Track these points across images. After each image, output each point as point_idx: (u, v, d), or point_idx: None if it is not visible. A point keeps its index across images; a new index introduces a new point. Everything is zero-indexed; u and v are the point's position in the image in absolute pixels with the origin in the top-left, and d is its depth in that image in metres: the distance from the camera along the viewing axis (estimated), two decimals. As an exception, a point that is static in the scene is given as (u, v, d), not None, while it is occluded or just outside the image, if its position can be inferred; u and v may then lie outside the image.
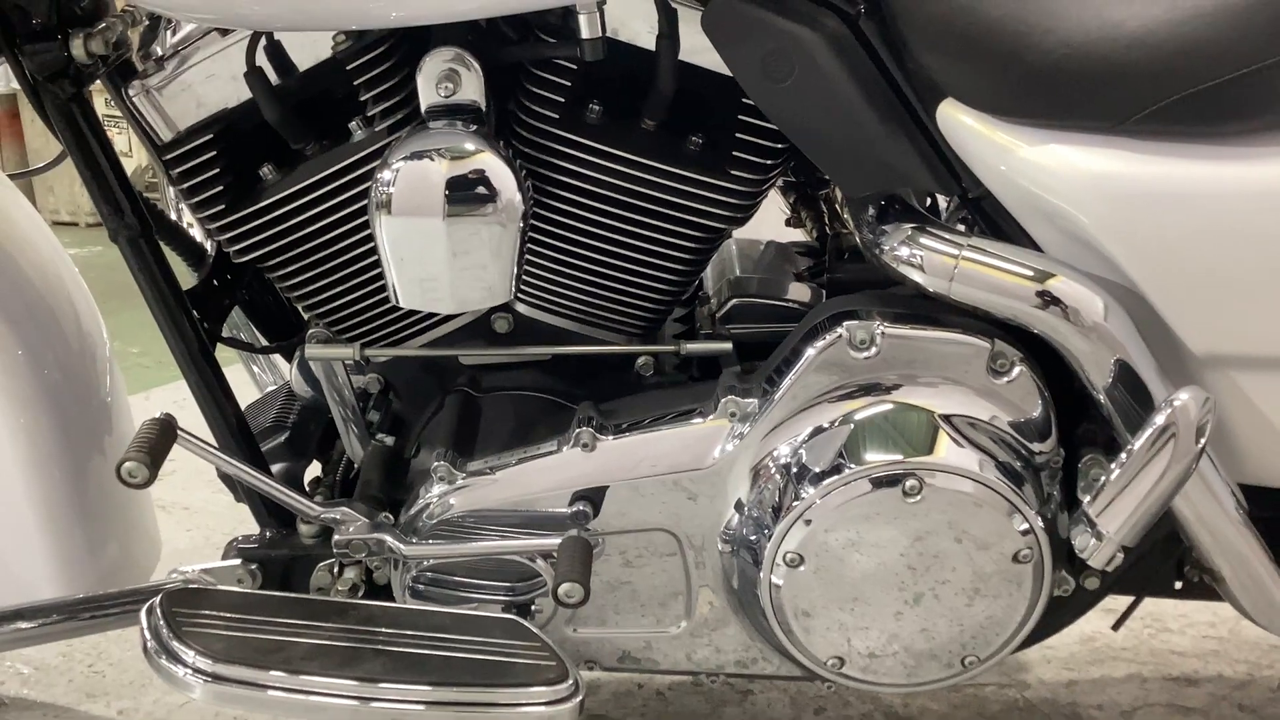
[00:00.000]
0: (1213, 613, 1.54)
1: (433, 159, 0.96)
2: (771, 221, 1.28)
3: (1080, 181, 0.95)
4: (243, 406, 1.16)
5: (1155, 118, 0.93)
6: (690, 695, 1.41)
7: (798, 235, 1.32)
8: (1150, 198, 0.94)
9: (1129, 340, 0.97)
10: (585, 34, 0.96)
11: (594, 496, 1.06)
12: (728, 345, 1.11)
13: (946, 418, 0.99)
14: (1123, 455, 0.94)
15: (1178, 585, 1.16)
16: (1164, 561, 1.15)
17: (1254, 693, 1.37)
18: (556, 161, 1.05)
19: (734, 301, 1.16)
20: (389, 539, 1.03)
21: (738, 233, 1.20)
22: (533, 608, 1.07)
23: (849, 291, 1.10)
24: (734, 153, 1.05)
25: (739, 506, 1.03)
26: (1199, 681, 1.40)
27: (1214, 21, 0.90)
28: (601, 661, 1.14)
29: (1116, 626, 1.21)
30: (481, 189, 0.96)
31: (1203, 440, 0.92)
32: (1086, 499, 0.96)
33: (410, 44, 1.01)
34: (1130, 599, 1.21)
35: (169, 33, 1.08)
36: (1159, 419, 0.92)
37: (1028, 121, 0.95)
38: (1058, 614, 1.12)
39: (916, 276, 1.00)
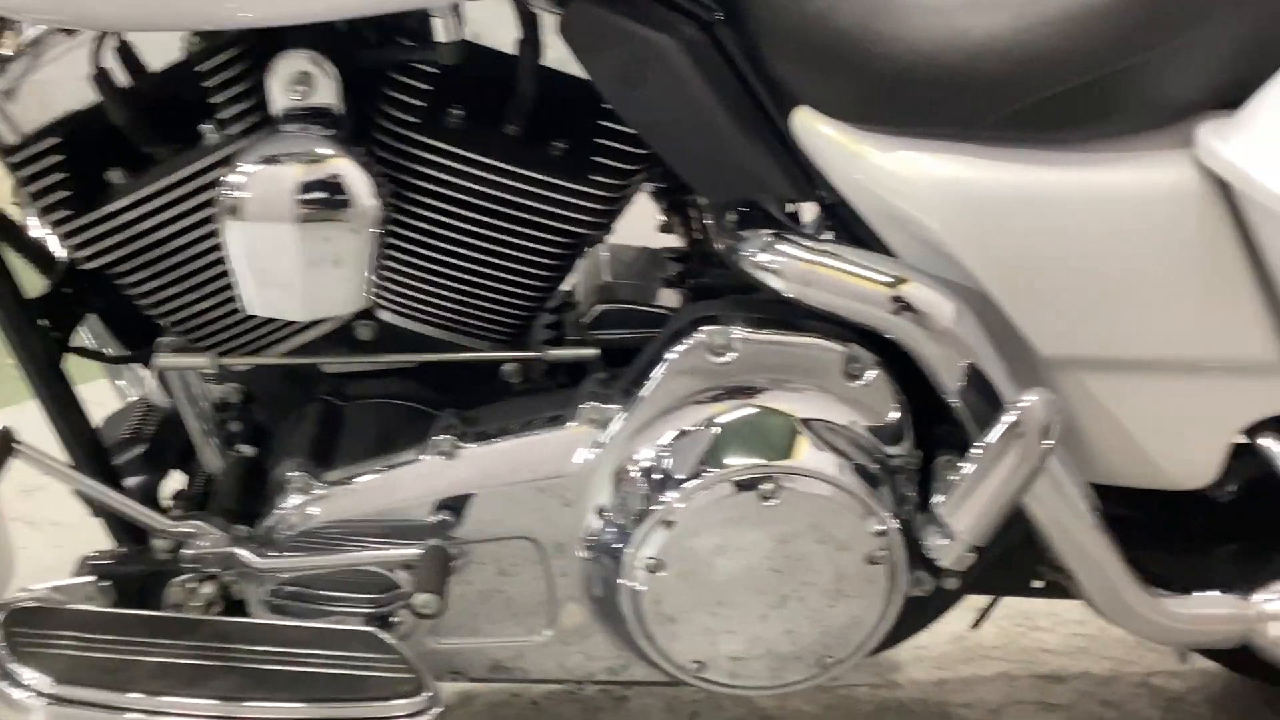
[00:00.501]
0: (1082, 610, 1.56)
1: (283, 163, 0.94)
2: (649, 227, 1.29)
3: (929, 187, 0.97)
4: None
5: (1002, 124, 0.95)
6: (566, 704, 1.40)
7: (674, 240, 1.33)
8: (996, 203, 0.96)
9: (978, 344, 0.99)
10: (441, 37, 0.95)
11: (456, 505, 1.05)
12: (593, 351, 1.11)
13: (802, 421, 1.00)
14: (971, 456, 0.96)
15: (1036, 584, 1.19)
16: (1023, 561, 1.17)
17: (1118, 689, 1.41)
18: (417, 167, 1.03)
19: (601, 307, 1.16)
20: (241, 553, 1.01)
21: (612, 239, 1.21)
22: (394, 620, 1.06)
23: (715, 297, 1.11)
24: (596, 159, 1.05)
25: (600, 513, 1.03)
26: (1066, 678, 1.43)
27: (1057, 30, 0.92)
28: (471, 672, 1.13)
29: (976, 625, 1.23)
30: (333, 194, 0.95)
31: (1049, 441, 0.94)
32: (937, 499, 0.98)
33: (264, 46, 0.99)
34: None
35: (13, 34, 1.05)
36: (1006, 420, 0.94)
37: (879, 128, 0.97)
38: (919, 614, 1.13)
39: (773, 282, 1.01)
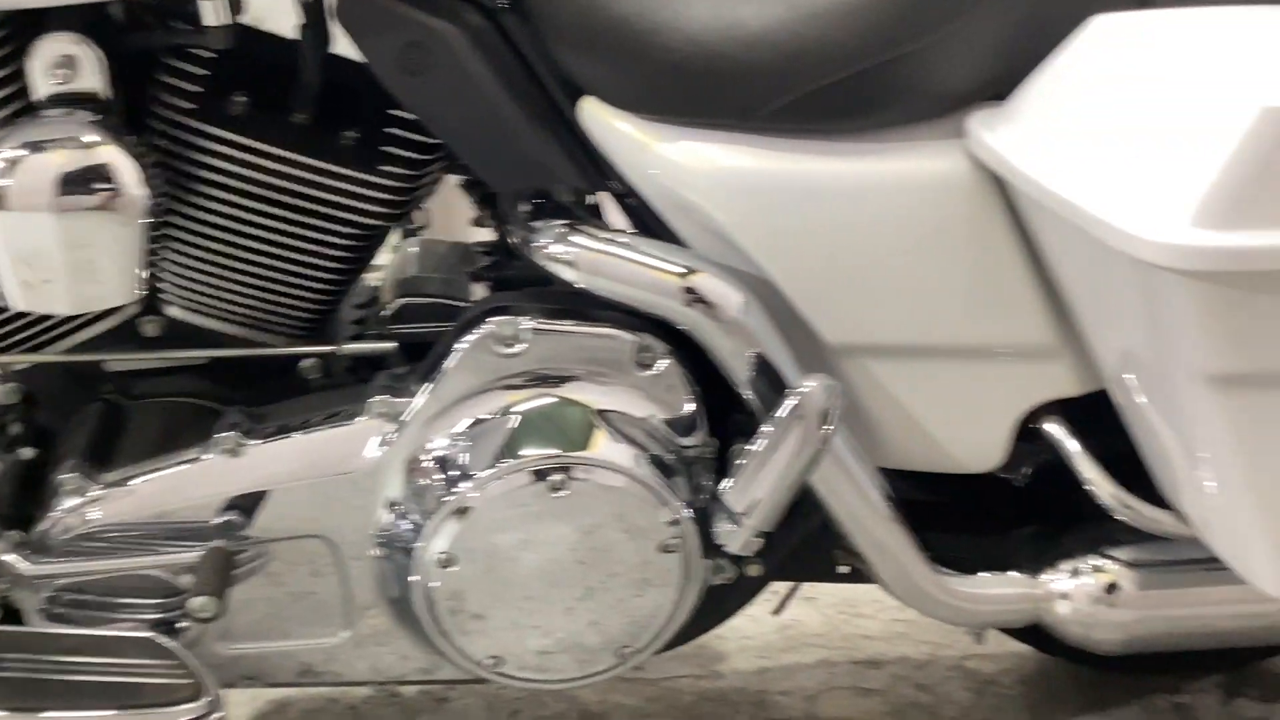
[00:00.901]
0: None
1: (44, 150, 0.91)
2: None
3: (713, 177, 0.98)
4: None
5: (780, 115, 0.96)
6: (385, 707, 1.37)
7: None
8: (777, 192, 0.97)
9: (765, 334, 1.00)
10: (210, 21, 0.93)
11: (244, 505, 1.02)
12: (390, 345, 1.09)
13: (593, 410, 1.00)
14: (754, 442, 0.97)
15: (842, 570, 1.21)
16: (828, 546, 1.19)
17: (932, 672, 1.44)
18: (197, 156, 1.01)
19: (401, 301, 1.14)
20: (9, 559, 0.97)
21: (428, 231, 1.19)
22: (180, 625, 1.02)
23: (517, 289, 1.10)
24: (387, 148, 1.04)
25: (390, 506, 1.01)
26: (883, 664, 1.46)
27: (829, 21, 0.94)
28: (280, 677, 1.11)
29: (777, 611, 1.25)
30: (98, 183, 0.91)
31: (829, 425, 0.95)
32: (723, 485, 0.98)
33: (27, 29, 0.95)
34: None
35: None
36: (786, 406, 0.95)
37: (661, 118, 0.97)
38: (724, 601, 1.14)
39: (565, 273, 1.01)
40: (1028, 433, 1.09)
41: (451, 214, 1.32)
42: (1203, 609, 1.11)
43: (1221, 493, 0.93)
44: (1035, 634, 1.42)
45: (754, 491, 0.96)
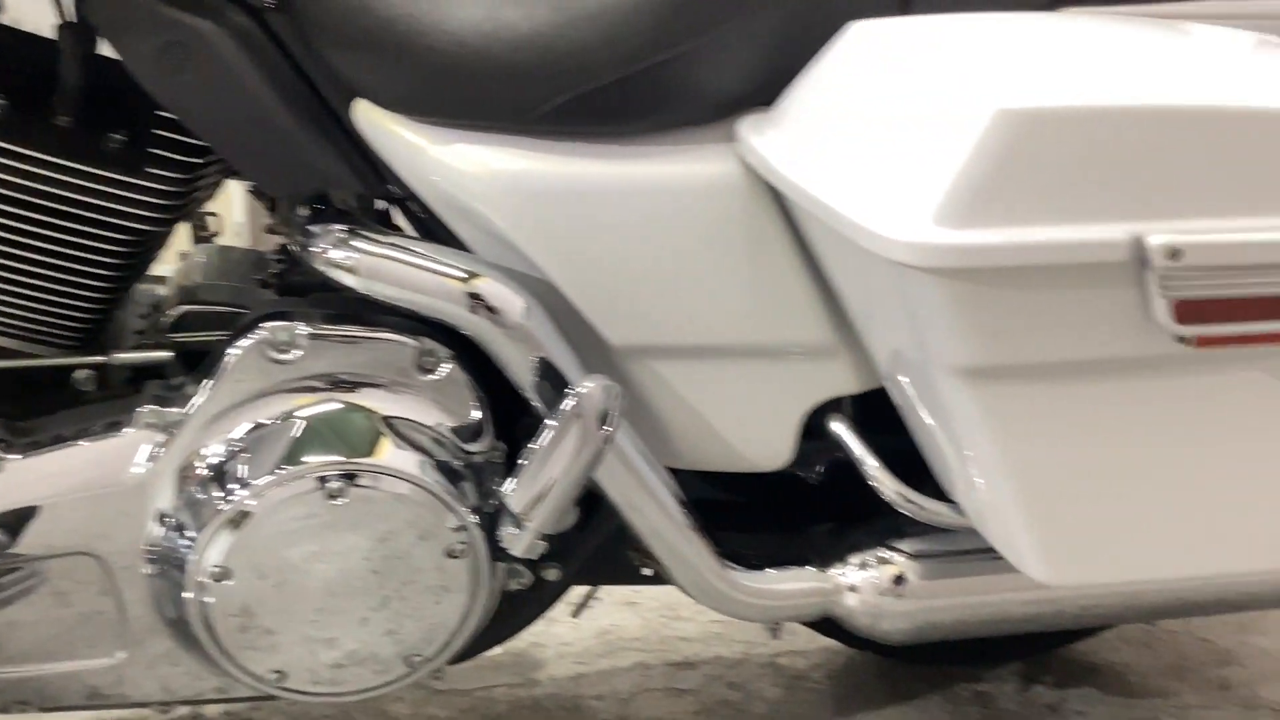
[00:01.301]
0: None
1: None
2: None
3: (489, 180, 0.97)
4: None
5: (553, 117, 0.96)
6: (188, 729, 1.34)
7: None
8: (555, 195, 0.98)
9: (548, 338, 1.00)
10: (-50, 20, 0.89)
11: (8, 522, 0.98)
12: (165, 355, 1.06)
13: (374, 415, 0.99)
14: (534, 444, 0.97)
15: (646, 572, 1.21)
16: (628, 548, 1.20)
17: (744, 671, 1.46)
18: (-49, 161, 0.97)
19: (182, 309, 1.11)
20: None
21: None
22: (-62, 648, 0.98)
23: (303, 296, 1.08)
24: (156, 151, 1.01)
25: (161, 521, 0.98)
26: (697, 664, 1.47)
27: (596, 25, 0.94)
28: (60, 701, 1.06)
29: (576, 614, 1.25)
30: None
31: (609, 426, 0.96)
32: (506, 488, 0.98)
33: None
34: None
35: None
36: (565, 407, 0.95)
37: (435, 120, 0.97)
38: (523, 607, 1.14)
39: (345, 278, 0.99)
40: (816, 431, 1.12)
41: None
42: (985, 597, 1.14)
43: (987, 484, 0.96)
44: (843, 628, 1.46)
45: (534, 493, 0.96)
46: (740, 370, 1.06)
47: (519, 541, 0.98)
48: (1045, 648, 1.48)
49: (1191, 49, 1.01)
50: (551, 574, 1.12)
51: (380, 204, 1.09)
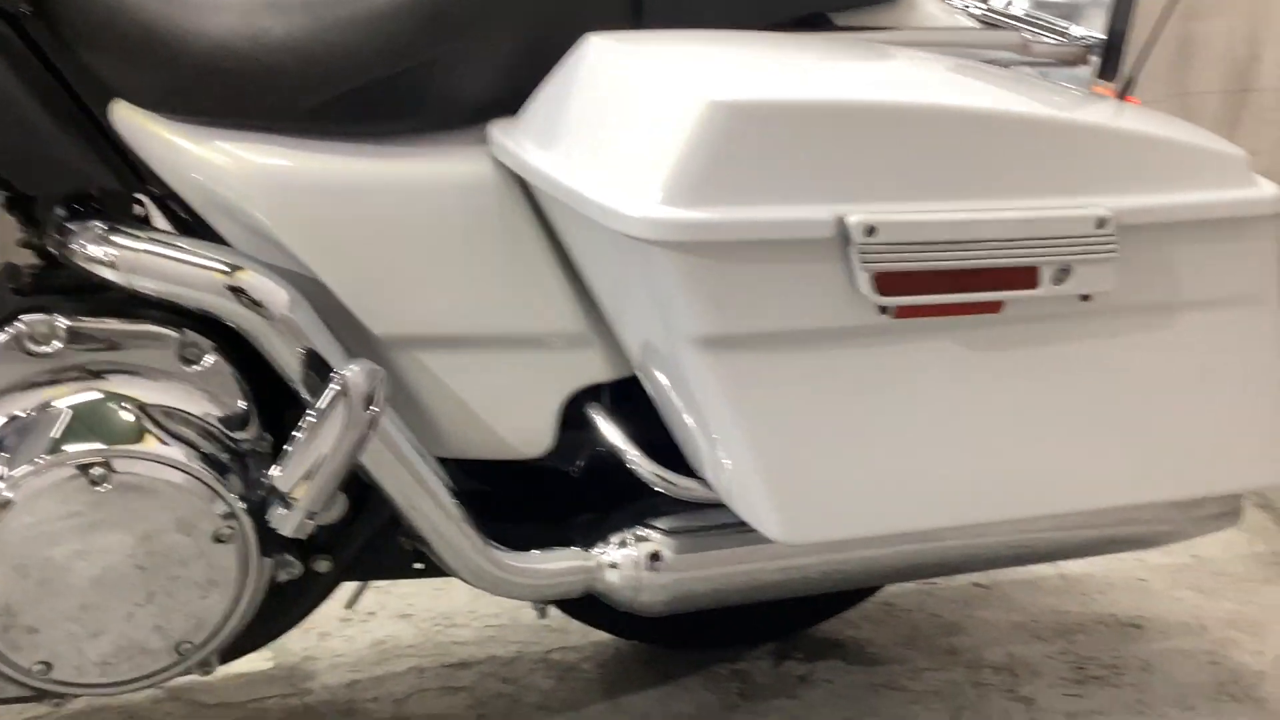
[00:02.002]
0: (497, 605, 1.68)
1: None
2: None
3: (251, 176, 1.02)
4: None
5: (311, 117, 1.02)
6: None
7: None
8: (316, 191, 1.03)
9: (313, 329, 1.04)
10: None
11: None
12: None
13: (136, 405, 1.01)
14: (302, 425, 1.01)
15: (418, 566, 1.26)
16: (399, 543, 1.24)
17: (518, 667, 1.51)
18: None
19: (-66, 318, 1.10)
20: None
21: None
22: None
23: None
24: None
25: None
26: (472, 664, 1.51)
27: (350, 30, 1.01)
28: None
29: (350, 605, 1.28)
30: None
31: (374, 407, 1.01)
32: (273, 471, 1.02)
33: None
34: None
35: None
36: (331, 388, 1.00)
37: (195, 120, 1.01)
38: (294, 600, 1.17)
39: (107, 274, 1.01)
40: (577, 422, 1.20)
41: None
42: (736, 567, 1.23)
43: (728, 453, 1.05)
44: (611, 618, 1.54)
45: (302, 472, 1.00)
46: (500, 359, 1.12)
47: (288, 521, 1.01)
48: (795, 628, 1.60)
49: (890, 63, 1.15)
50: (322, 566, 1.15)
51: (140, 206, 1.12)
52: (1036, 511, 1.17)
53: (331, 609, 1.64)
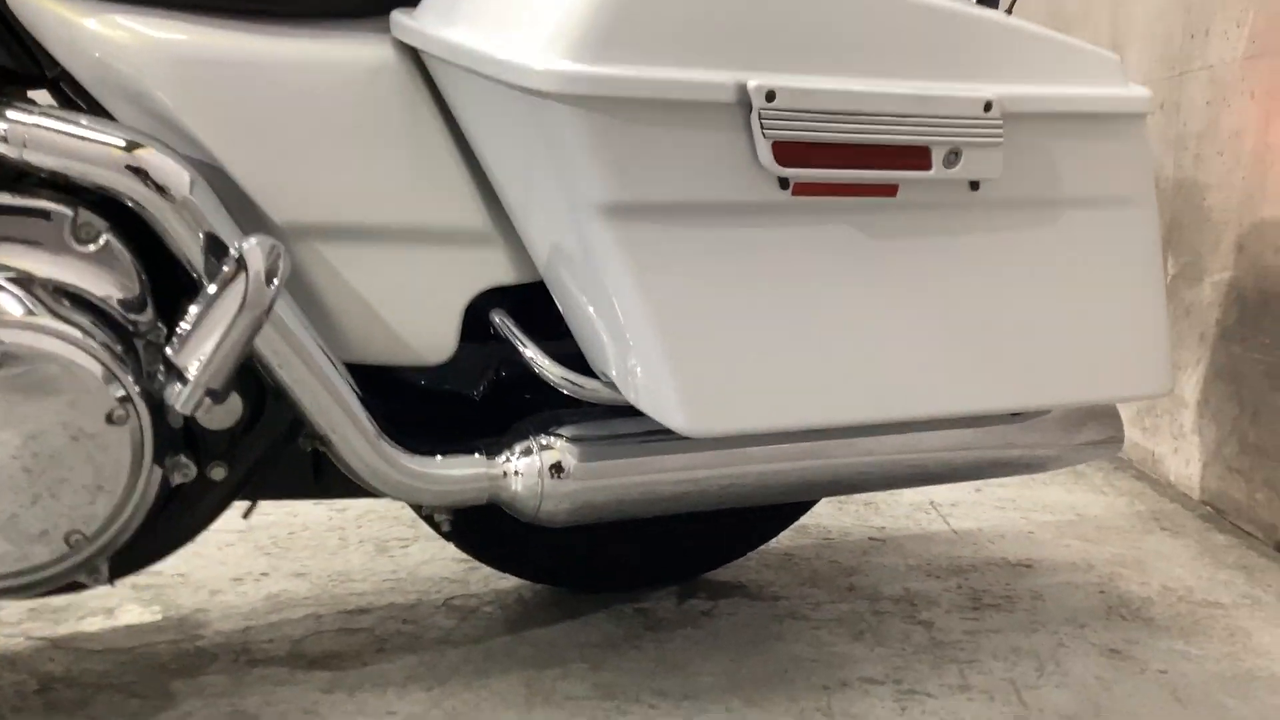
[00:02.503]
0: (394, 562, 1.65)
1: None
2: None
3: (152, 53, 1.01)
4: None
5: (213, -3, 1.01)
6: None
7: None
8: (219, 68, 1.02)
9: (214, 214, 1.03)
10: None
11: None
12: None
13: (28, 280, 0.98)
14: (200, 300, 0.99)
15: (318, 481, 1.23)
16: (297, 461, 1.22)
17: (419, 611, 1.48)
18: None
19: None
20: None
21: None
22: None
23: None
24: None
25: None
26: (371, 610, 1.48)
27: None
28: None
29: (246, 515, 1.24)
30: None
31: (274, 283, 1.00)
32: (170, 346, 0.99)
33: None
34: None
35: None
36: (230, 259, 0.98)
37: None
38: (188, 508, 1.14)
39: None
40: (484, 332, 1.20)
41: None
42: (638, 478, 1.23)
43: (632, 337, 1.06)
44: (518, 561, 1.52)
45: (200, 347, 0.98)
46: (401, 255, 1.12)
47: (184, 397, 0.99)
48: (697, 572, 1.60)
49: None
50: (217, 473, 1.13)
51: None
52: (928, 411, 1.20)
53: (221, 570, 1.61)
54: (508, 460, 1.19)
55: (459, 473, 1.18)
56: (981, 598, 1.54)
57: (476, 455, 1.19)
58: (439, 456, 1.17)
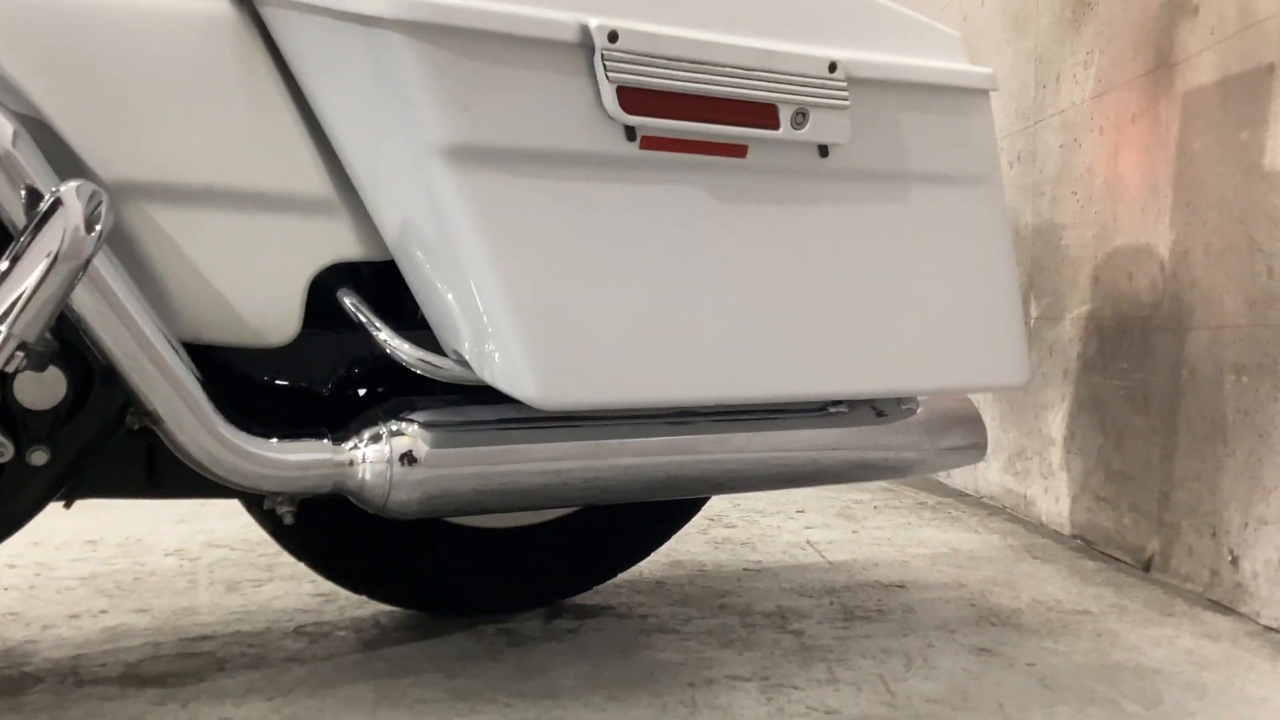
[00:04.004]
0: (246, 600, 1.56)
1: None
2: None
3: (-28, -4, 0.97)
4: None
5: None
6: None
7: None
8: (46, 17, 0.98)
9: (36, 167, 0.98)
10: None
11: None
12: None
13: None
14: (14, 245, 0.93)
15: (150, 477, 1.16)
16: (130, 457, 1.15)
17: (267, 637, 1.40)
18: None
19: None
20: None
21: None
22: None
23: None
24: None
25: None
26: (215, 637, 1.39)
27: None
28: None
29: (68, 505, 1.16)
30: None
31: (97, 229, 0.94)
32: (-20, 297, 0.93)
33: None
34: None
35: None
36: (45, 203, 0.93)
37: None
38: (8, 496, 1.06)
39: None
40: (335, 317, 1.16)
41: None
42: (496, 467, 1.19)
43: (481, 302, 1.03)
44: (382, 588, 1.46)
45: (9, 294, 0.92)
46: (237, 223, 1.08)
47: (-3, 349, 0.92)
48: (564, 595, 1.54)
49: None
50: (39, 457, 1.06)
51: None
52: (781, 392, 1.18)
53: (57, 609, 1.50)
54: (355, 447, 1.13)
55: (301, 458, 1.12)
56: (854, 612, 1.51)
57: (321, 440, 1.14)
58: (280, 441, 1.12)
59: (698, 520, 2.12)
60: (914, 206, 1.19)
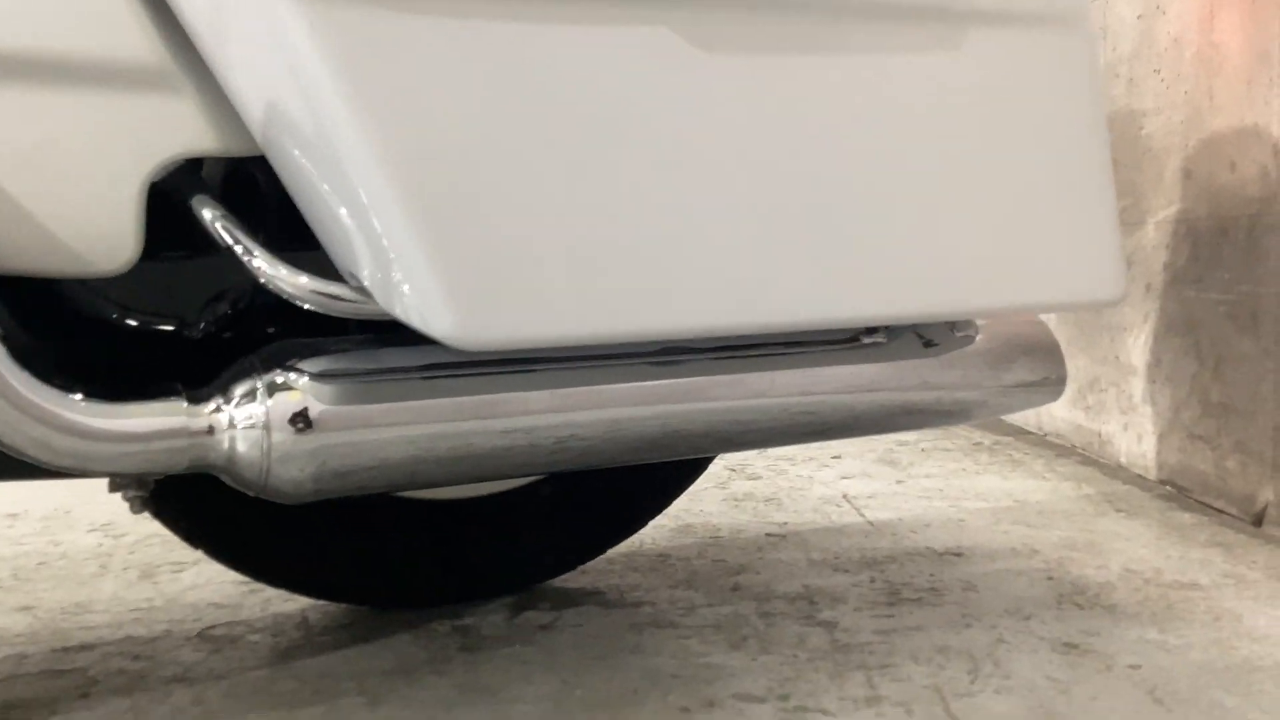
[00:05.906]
0: (156, 591, 1.29)
1: None
2: None
3: None
4: None
5: None
6: None
7: None
8: None
9: None
10: None
11: None
12: None
13: None
14: None
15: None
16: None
17: (160, 646, 1.11)
18: None
19: None
20: None
21: None
22: None
23: None
24: None
25: None
26: (96, 646, 1.10)
27: None
28: None
29: None
30: None
31: None
32: None
33: None
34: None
35: None
36: None
37: None
38: None
39: None
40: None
41: None
42: (408, 429, 0.88)
43: (374, 205, 0.74)
44: (307, 581, 1.18)
45: None
46: (39, 103, 0.77)
47: None
48: (536, 581, 1.25)
49: None
50: None
51: None
52: (783, 319, 0.87)
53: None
54: (218, 410, 0.84)
55: (142, 426, 0.82)
56: (900, 592, 1.21)
57: (173, 401, 0.84)
58: (114, 404, 0.82)
59: (716, 472, 1.81)
60: (972, 58, 0.87)
